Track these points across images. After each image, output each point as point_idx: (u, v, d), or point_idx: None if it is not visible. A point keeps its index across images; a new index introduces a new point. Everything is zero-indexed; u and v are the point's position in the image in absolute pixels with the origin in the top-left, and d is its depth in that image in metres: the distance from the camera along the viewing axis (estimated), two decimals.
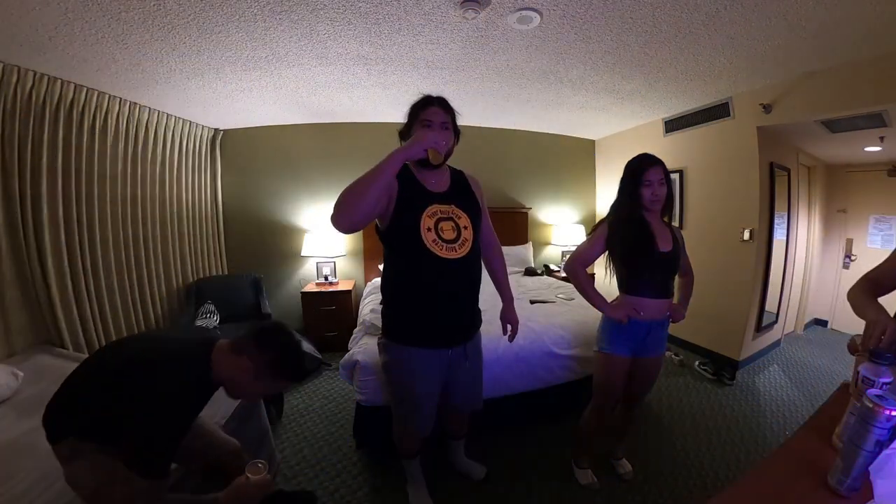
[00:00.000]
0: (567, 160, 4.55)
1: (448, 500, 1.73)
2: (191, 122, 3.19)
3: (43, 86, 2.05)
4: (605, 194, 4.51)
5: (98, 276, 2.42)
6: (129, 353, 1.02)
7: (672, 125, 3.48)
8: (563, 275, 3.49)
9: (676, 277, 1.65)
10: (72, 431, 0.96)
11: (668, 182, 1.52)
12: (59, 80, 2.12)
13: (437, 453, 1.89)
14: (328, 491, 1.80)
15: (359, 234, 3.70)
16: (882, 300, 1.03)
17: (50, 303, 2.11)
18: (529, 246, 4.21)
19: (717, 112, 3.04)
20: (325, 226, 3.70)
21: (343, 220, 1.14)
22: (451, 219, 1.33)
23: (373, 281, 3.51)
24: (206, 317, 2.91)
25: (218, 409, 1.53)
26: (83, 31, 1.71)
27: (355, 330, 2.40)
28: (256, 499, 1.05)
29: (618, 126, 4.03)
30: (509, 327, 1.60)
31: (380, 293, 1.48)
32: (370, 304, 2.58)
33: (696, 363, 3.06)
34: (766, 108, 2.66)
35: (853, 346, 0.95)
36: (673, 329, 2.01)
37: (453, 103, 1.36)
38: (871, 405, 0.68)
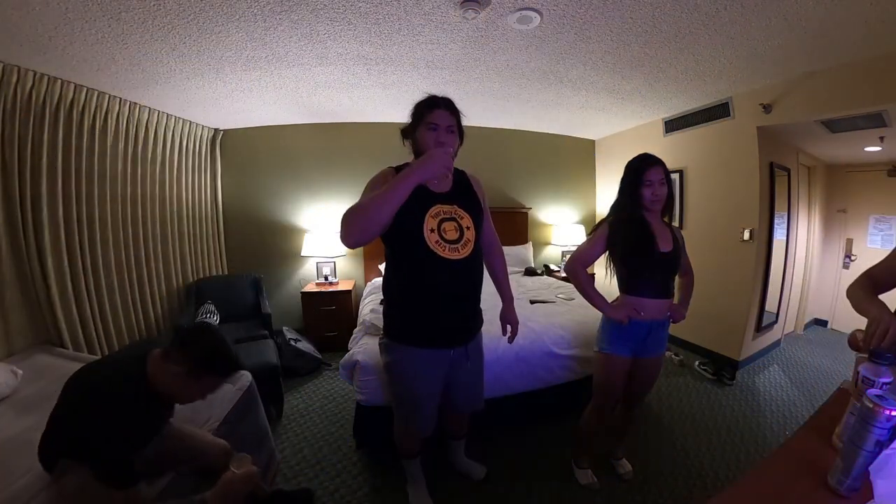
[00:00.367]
0: (567, 160, 4.55)
1: (448, 500, 1.73)
2: (191, 122, 3.19)
3: (43, 86, 2.05)
4: (605, 194, 4.51)
5: (98, 275, 2.42)
6: (76, 380, 1.07)
7: (672, 125, 3.48)
8: (563, 275, 3.50)
9: (677, 277, 1.65)
10: (57, 453, 1.03)
11: (669, 182, 1.52)
12: (59, 80, 2.12)
13: (437, 453, 1.89)
14: (328, 491, 1.80)
15: None
16: (882, 298, 1.03)
17: (50, 302, 2.11)
18: (529, 246, 4.21)
19: (717, 112, 3.04)
20: (325, 226, 3.72)
21: (350, 239, 1.13)
22: (453, 219, 1.32)
23: (373, 281, 3.51)
24: (206, 317, 2.91)
25: (211, 413, 1.54)
26: (83, 31, 1.71)
27: (355, 330, 2.40)
28: (243, 491, 1.07)
29: (618, 126, 4.03)
30: (509, 328, 1.60)
31: (380, 293, 1.48)
32: (370, 304, 2.58)
33: (696, 363, 3.06)
34: (766, 108, 2.66)
35: (854, 341, 0.94)
36: (673, 329, 2.01)
37: (455, 104, 1.36)
38: (871, 405, 0.68)
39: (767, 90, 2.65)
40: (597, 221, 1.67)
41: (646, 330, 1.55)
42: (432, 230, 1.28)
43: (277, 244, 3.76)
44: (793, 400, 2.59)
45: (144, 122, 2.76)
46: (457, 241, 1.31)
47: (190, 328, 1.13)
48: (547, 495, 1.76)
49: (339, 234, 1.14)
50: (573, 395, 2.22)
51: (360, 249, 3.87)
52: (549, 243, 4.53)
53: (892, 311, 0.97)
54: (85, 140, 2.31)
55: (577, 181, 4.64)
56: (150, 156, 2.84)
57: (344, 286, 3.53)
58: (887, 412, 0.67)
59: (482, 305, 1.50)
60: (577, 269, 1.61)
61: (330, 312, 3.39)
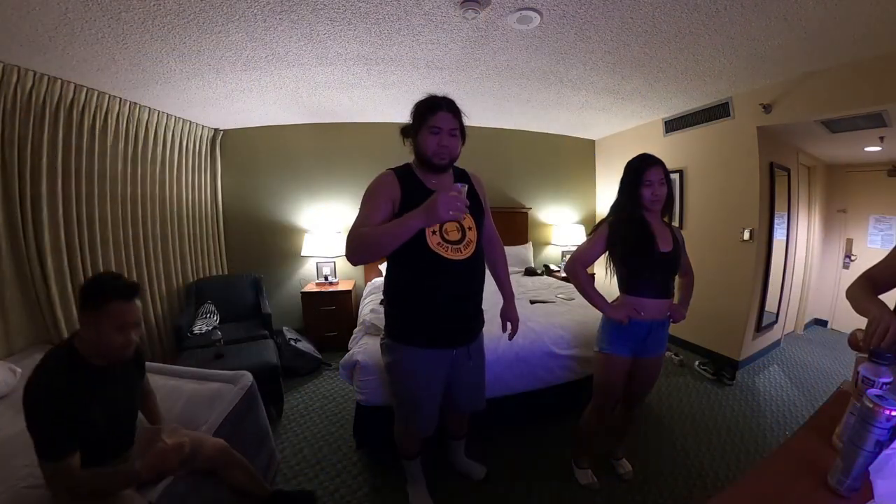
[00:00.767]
0: (567, 160, 4.55)
1: (448, 500, 1.73)
2: (191, 122, 3.19)
3: (43, 86, 2.05)
4: (605, 194, 4.51)
5: None
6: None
7: (672, 125, 3.48)
8: (563, 275, 3.50)
9: (677, 277, 1.65)
10: None
11: (669, 182, 1.52)
12: (59, 80, 2.12)
13: (437, 453, 1.89)
14: (328, 491, 1.80)
15: None
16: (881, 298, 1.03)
17: (49, 302, 2.11)
18: (529, 246, 4.21)
19: (717, 112, 3.04)
20: (325, 226, 3.72)
21: (355, 262, 1.24)
22: (455, 220, 1.32)
23: (373, 281, 3.51)
24: (206, 317, 2.91)
25: (209, 415, 1.54)
26: (83, 31, 1.71)
27: (355, 330, 2.40)
28: (174, 461, 1.09)
29: (618, 126, 4.03)
30: (509, 325, 1.60)
31: (380, 293, 1.48)
32: (370, 304, 2.58)
33: (696, 363, 3.06)
34: (766, 108, 2.66)
35: (854, 341, 0.94)
36: (673, 329, 2.01)
37: (457, 105, 1.35)
38: (871, 405, 0.68)
39: (767, 90, 2.65)
40: (597, 221, 1.67)
41: (646, 330, 1.55)
42: (434, 231, 1.28)
43: (277, 244, 3.76)
44: (793, 400, 2.59)
45: (144, 122, 2.76)
46: (459, 242, 1.31)
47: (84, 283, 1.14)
48: (547, 495, 1.76)
49: (344, 254, 1.21)
50: (573, 395, 2.22)
51: None
52: (549, 243, 4.53)
53: (892, 310, 0.97)
54: (85, 140, 2.31)
55: (577, 181, 4.64)
56: (150, 156, 2.84)
57: (344, 286, 3.53)
58: (887, 412, 0.66)
59: (483, 305, 1.50)
60: (577, 269, 1.61)
61: (330, 312, 3.39)
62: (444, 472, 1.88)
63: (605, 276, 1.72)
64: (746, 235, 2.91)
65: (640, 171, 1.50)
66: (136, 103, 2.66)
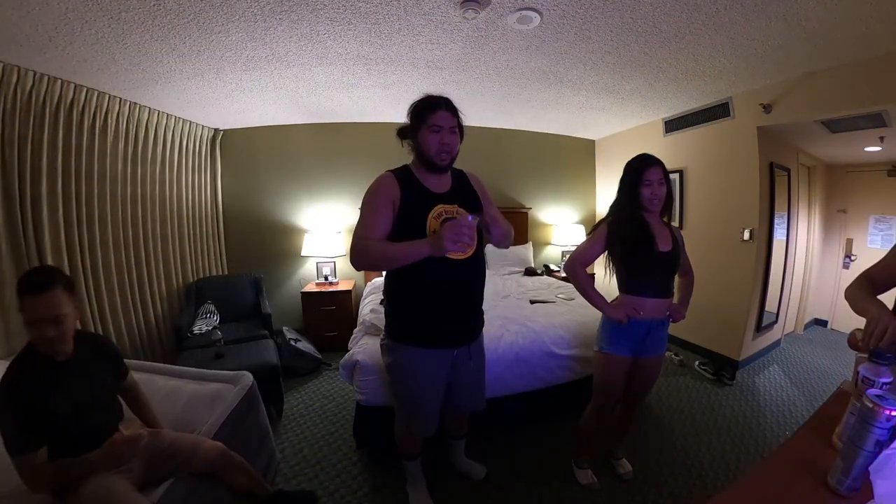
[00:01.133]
0: (567, 160, 4.55)
1: (448, 500, 1.73)
2: (191, 122, 3.19)
3: (43, 86, 2.05)
4: (605, 194, 4.50)
5: (98, 275, 2.42)
6: None
7: (672, 125, 3.48)
8: (563, 275, 3.49)
9: (676, 277, 1.65)
10: None
11: (668, 182, 1.52)
12: (59, 80, 2.12)
13: (437, 453, 1.89)
14: (328, 491, 1.80)
15: None
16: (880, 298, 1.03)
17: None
18: (529, 246, 4.21)
19: (717, 112, 3.04)
20: (325, 226, 3.72)
21: (360, 269, 1.29)
22: (455, 219, 1.32)
23: (373, 281, 3.51)
24: (206, 317, 2.91)
25: (210, 415, 1.54)
26: (83, 31, 1.71)
27: (355, 330, 2.40)
28: (127, 453, 1.09)
29: (618, 126, 4.03)
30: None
31: (380, 293, 1.48)
32: (370, 304, 2.58)
33: (696, 363, 3.06)
34: (766, 108, 2.66)
35: (853, 341, 0.94)
36: (673, 329, 2.01)
37: (454, 103, 1.36)
38: (871, 405, 0.68)
39: (767, 90, 2.65)
40: (596, 221, 1.67)
41: (645, 329, 1.55)
42: (434, 232, 1.28)
43: (277, 244, 3.76)
44: (793, 400, 2.59)
45: (144, 122, 2.76)
46: None
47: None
48: (547, 495, 1.76)
49: (349, 259, 1.26)
50: (573, 395, 2.22)
51: None
52: (549, 243, 4.53)
53: (892, 310, 0.97)
54: (85, 140, 2.31)
55: (577, 181, 4.64)
56: (150, 156, 2.84)
57: (344, 286, 3.53)
58: (887, 412, 0.66)
59: (483, 305, 1.50)
60: (576, 268, 1.61)
61: (330, 312, 3.39)
62: (444, 472, 1.88)
63: (604, 276, 1.72)
64: (746, 235, 2.91)
65: (640, 170, 1.50)
66: (136, 103, 2.66)
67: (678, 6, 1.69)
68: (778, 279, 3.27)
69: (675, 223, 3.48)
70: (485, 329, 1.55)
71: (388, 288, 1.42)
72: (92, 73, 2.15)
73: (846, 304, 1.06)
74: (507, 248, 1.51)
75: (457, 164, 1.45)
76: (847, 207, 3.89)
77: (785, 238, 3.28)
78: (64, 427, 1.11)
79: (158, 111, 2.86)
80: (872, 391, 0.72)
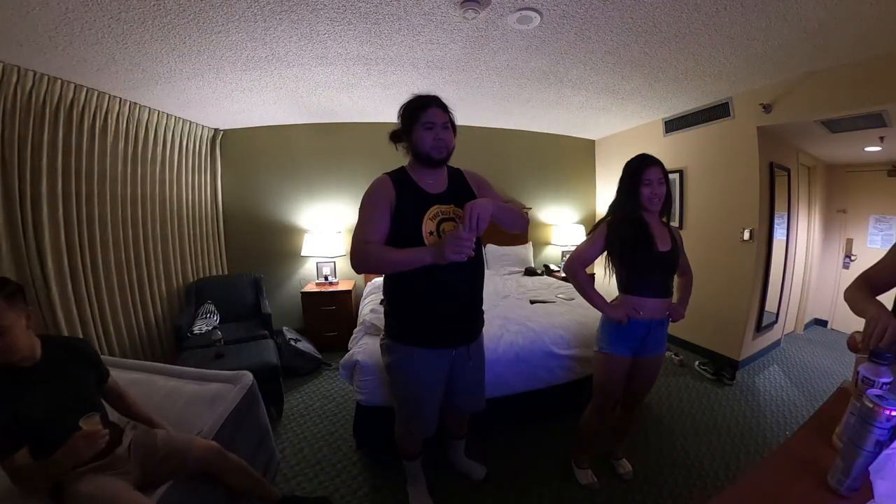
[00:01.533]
0: (567, 160, 4.55)
1: (448, 500, 1.73)
2: (191, 122, 3.19)
3: (43, 86, 2.05)
4: (605, 194, 4.50)
5: (98, 275, 2.42)
6: None
7: (672, 125, 3.48)
8: (563, 275, 3.49)
9: (675, 277, 1.65)
10: None
11: (667, 182, 1.52)
12: (59, 80, 2.12)
13: (437, 453, 1.89)
14: (328, 491, 1.80)
15: None
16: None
17: (50, 303, 2.11)
18: (529, 246, 4.21)
19: (717, 112, 3.04)
20: (325, 226, 3.72)
21: (360, 272, 1.29)
22: (452, 219, 1.32)
23: (373, 281, 3.51)
24: (206, 317, 2.92)
25: (209, 416, 1.53)
26: (83, 31, 1.71)
27: (355, 330, 2.40)
28: (85, 449, 1.09)
29: (618, 126, 4.03)
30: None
31: (380, 293, 1.48)
32: (370, 304, 2.58)
33: (696, 363, 3.06)
34: (766, 108, 2.66)
35: (853, 343, 0.94)
36: (673, 329, 2.01)
37: (453, 103, 1.36)
38: (871, 405, 0.68)
39: (767, 90, 2.65)
40: (596, 221, 1.67)
41: (645, 329, 1.55)
42: (431, 233, 1.28)
43: (277, 244, 3.76)
44: (793, 400, 2.59)
45: (144, 122, 2.76)
46: None
47: None
48: (547, 495, 1.76)
49: (349, 261, 1.27)
50: (573, 395, 2.22)
51: None
52: (549, 243, 4.53)
53: (891, 310, 0.97)
54: (85, 140, 2.31)
55: (577, 181, 4.64)
56: (150, 156, 2.84)
57: (344, 286, 3.53)
58: (887, 412, 0.66)
59: (482, 306, 1.50)
60: (576, 268, 1.61)
61: (330, 312, 3.39)
62: (444, 472, 1.88)
63: (604, 276, 1.72)
64: (746, 235, 2.91)
65: (639, 170, 1.51)
66: (136, 103, 2.66)
67: (678, 6, 1.69)
68: (778, 279, 3.27)
69: (675, 223, 3.49)
70: (485, 329, 1.55)
71: (388, 288, 1.42)
72: (92, 73, 2.15)
73: (846, 304, 1.07)
74: (524, 229, 1.47)
75: (458, 165, 1.46)
76: (847, 207, 3.89)
77: (785, 238, 3.28)
78: (41, 431, 1.12)
79: (158, 111, 2.86)
80: (872, 391, 0.72)
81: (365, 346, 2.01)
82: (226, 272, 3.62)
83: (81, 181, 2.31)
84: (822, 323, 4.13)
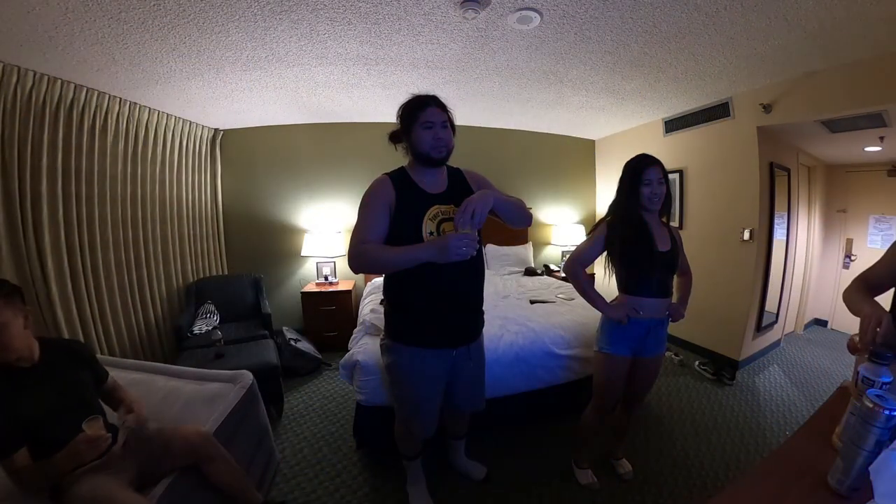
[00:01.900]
0: (567, 160, 4.55)
1: (448, 500, 1.73)
2: (191, 122, 3.19)
3: (43, 86, 2.05)
4: (605, 194, 4.50)
5: (98, 276, 2.42)
6: None
7: (672, 125, 3.48)
8: (563, 275, 3.49)
9: (675, 277, 1.65)
10: None
11: (667, 182, 1.52)
12: (59, 80, 2.12)
13: (437, 453, 1.89)
14: (328, 491, 1.80)
15: None
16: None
17: (50, 303, 2.11)
18: (529, 246, 4.21)
19: (717, 112, 3.04)
20: (325, 226, 3.72)
21: (358, 273, 1.30)
22: (451, 219, 1.32)
23: (373, 281, 3.51)
24: (206, 317, 2.91)
25: (209, 415, 1.53)
26: (83, 31, 1.71)
27: (355, 330, 2.40)
28: (87, 453, 1.10)
29: (618, 126, 4.03)
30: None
31: (380, 293, 1.48)
32: (370, 304, 2.58)
33: (696, 363, 3.05)
34: (766, 108, 2.66)
35: (852, 345, 0.95)
36: (673, 329, 2.01)
37: (453, 103, 1.36)
38: (871, 405, 0.69)
39: (767, 90, 2.65)
40: (596, 221, 1.67)
41: (645, 329, 1.56)
42: (431, 233, 1.28)
43: (277, 244, 3.76)
44: (793, 400, 2.59)
45: (144, 122, 2.76)
46: None
47: None
48: (547, 495, 1.76)
49: (348, 263, 1.27)
50: (573, 395, 2.22)
51: None
52: (549, 243, 4.53)
53: (889, 309, 0.97)
54: (85, 140, 2.31)
55: (577, 181, 4.64)
56: (150, 156, 2.84)
57: (344, 286, 3.52)
58: (887, 412, 0.67)
59: (482, 306, 1.50)
60: (575, 269, 1.61)
61: (330, 312, 3.39)
62: (444, 472, 1.88)
63: (604, 276, 1.72)
64: (746, 235, 2.91)
65: (639, 170, 1.51)
66: (136, 103, 2.66)
67: (678, 6, 1.69)
68: (778, 279, 3.27)
69: (675, 223, 3.49)
70: (485, 329, 1.55)
71: (389, 288, 1.42)
72: (92, 73, 2.15)
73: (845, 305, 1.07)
74: (528, 224, 1.47)
75: (458, 165, 1.46)
76: (847, 207, 3.89)
77: (785, 238, 3.28)
78: (38, 432, 1.13)
79: (158, 111, 2.86)
80: (872, 391, 0.72)
81: (365, 346, 2.01)
82: (226, 272, 3.62)
83: (81, 181, 2.31)
84: (822, 323, 4.13)
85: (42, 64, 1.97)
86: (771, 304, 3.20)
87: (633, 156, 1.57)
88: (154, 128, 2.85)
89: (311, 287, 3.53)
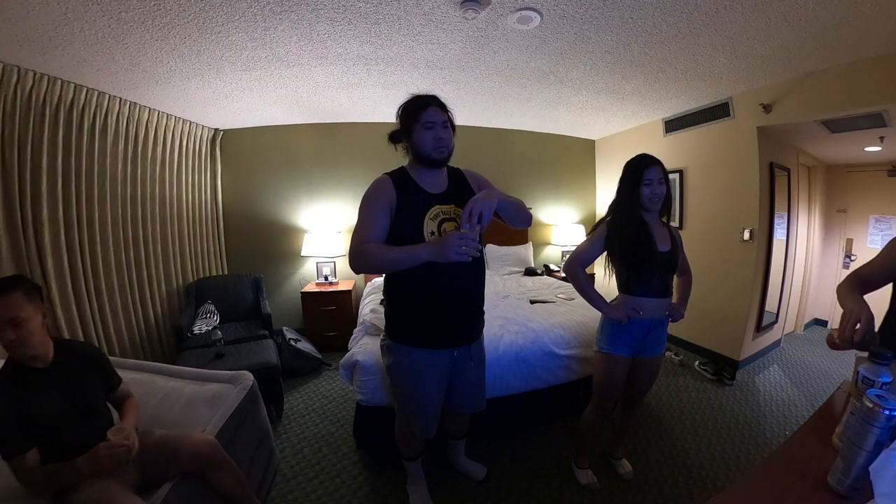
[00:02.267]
0: (567, 160, 4.55)
1: (448, 500, 1.73)
2: (191, 122, 3.19)
3: (43, 86, 2.05)
4: (605, 194, 4.50)
5: (98, 276, 2.42)
6: None
7: (672, 125, 3.48)
8: (563, 275, 3.49)
9: (675, 277, 1.65)
10: None
11: (667, 182, 1.52)
12: (59, 80, 2.12)
13: (437, 453, 1.89)
14: (328, 491, 1.80)
15: None
16: (874, 294, 1.05)
17: (50, 302, 2.10)
18: (529, 246, 4.21)
19: (717, 112, 3.04)
20: (325, 226, 3.72)
21: (359, 273, 1.29)
22: (453, 219, 1.32)
23: (373, 281, 3.51)
24: (206, 317, 2.91)
25: (209, 416, 1.53)
26: (83, 31, 1.71)
27: (355, 330, 2.40)
28: (108, 462, 1.09)
29: (618, 126, 4.03)
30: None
31: (380, 293, 1.48)
32: (370, 304, 2.58)
33: (696, 363, 3.06)
34: (766, 108, 2.66)
35: (830, 340, 0.95)
36: (673, 329, 2.01)
37: (453, 103, 1.36)
38: (871, 405, 0.69)
39: (767, 90, 2.65)
40: (596, 221, 1.67)
41: (645, 329, 1.56)
42: (432, 233, 1.28)
43: (277, 244, 3.76)
44: (793, 400, 2.59)
45: (144, 122, 2.76)
46: None
47: None
48: (547, 495, 1.76)
49: (348, 262, 1.26)
50: (573, 395, 2.22)
51: None
52: (549, 243, 4.53)
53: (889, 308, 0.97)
54: (85, 140, 2.32)
55: (577, 181, 4.64)
56: (150, 156, 2.84)
57: (344, 286, 3.53)
58: (887, 412, 0.67)
59: (483, 306, 1.50)
60: (575, 269, 1.61)
61: (330, 312, 3.39)
62: (445, 472, 1.88)
63: (604, 276, 1.72)
64: (746, 235, 2.91)
65: (639, 170, 1.50)
66: (136, 103, 2.66)
67: (678, 6, 1.69)
68: (778, 279, 3.27)
69: (675, 223, 3.49)
70: (485, 329, 1.55)
71: (389, 288, 1.42)
72: (92, 73, 2.15)
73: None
74: (529, 224, 1.48)
75: (458, 165, 1.46)
76: (847, 207, 3.89)
77: (785, 238, 3.28)
78: (48, 433, 1.13)
79: (158, 111, 2.86)
80: (872, 391, 0.72)
81: (365, 346, 2.01)
82: (226, 272, 3.62)
83: (81, 181, 2.31)
84: (822, 323, 4.13)
85: (42, 64, 1.97)
86: (771, 304, 3.20)
87: (633, 156, 1.57)
88: (154, 128, 2.85)
89: (311, 287, 3.53)
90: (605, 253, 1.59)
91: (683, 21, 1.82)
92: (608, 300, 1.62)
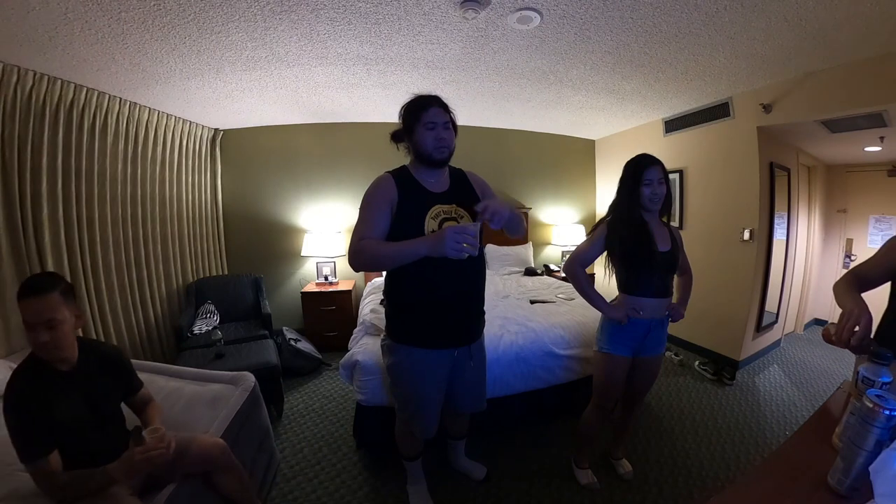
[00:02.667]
0: (567, 160, 4.55)
1: (448, 500, 1.73)
2: (191, 122, 3.19)
3: (43, 86, 2.05)
4: (605, 194, 4.50)
5: (98, 275, 2.42)
6: None
7: (672, 125, 3.48)
8: (563, 275, 3.49)
9: (675, 277, 1.65)
10: None
11: (667, 182, 1.53)
12: (59, 80, 2.12)
13: (437, 453, 1.89)
14: (328, 491, 1.80)
15: None
16: (873, 293, 1.05)
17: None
18: (529, 246, 4.21)
19: (717, 112, 3.04)
20: (325, 226, 3.72)
21: (358, 270, 1.33)
22: (454, 219, 1.32)
23: (373, 281, 3.51)
24: (206, 317, 2.91)
25: (210, 417, 1.53)
26: (83, 31, 1.71)
27: (355, 330, 2.40)
28: (142, 465, 1.07)
29: (618, 126, 4.03)
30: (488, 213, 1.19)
31: (380, 293, 1.48)
32: (370, 304, 2.58)
33: (696, 363, 3.06)
34: (766, 108, 2.66)
35: (827, 335, 0.95)
36: (673, 329, 2.01)
37: (453, 103, 1.36)
38: (871, 405, 0.68)
39: (767, 90, 2.65)
40: (596, 221, 1.67)
41: (645, 329, 1.56)
42: (433, 231, 1.28)
43: (277, 244, 3.76)
44: (793, 400, 2.59)
45: (144, 122, 2.76)
46: None
47: None
48: (547, 495, 1.76)
49: (347, 261, 1.26)
50: (573, 395, 2.22)
51: None
52: (549, 243, 4.53)
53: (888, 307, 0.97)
54: (85, 140, 2.31)
55: (577, 181, 4.64)
56: (150, 156, 2.84)
57: (344, 286, 3.53)
58: (887, 412, 0.67)
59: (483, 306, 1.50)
60: (575, 269, 1.61)
61: (330, 312, 3.39)
62: (445, 472, 1.88)
63: (604, 276, 1.72)
64: (746, 235, 2.91)
65: (639, 170, 1.51)
66: (136, 103, 2.66)
67: (678, 6, 1.69)
68: (778, 279, 3.27)
69: (675, 223, 3.49)
70: (485, 329, 1.55)
71: (389, 288, 1.41)
72: (92, 73, 2.15)
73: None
74: (522, 234, 1.48)
75: (458, 165, 1.46)
76: (847, 207, 3.89)
77: (785, 238, 3.28)
78: (68, 437, 1.10)
79: (158, 111, 2.86)
80: (872, 391, 0.72)
81: (365, 346, 2.01)
82: (226, 272, 3.62)
83: (81, 181, 2.31)
84: (822, 323, 4.13)
85: (42, 64, 1.97)
86: (771, 304, 3.20)
87: (633, 156, 1.57)
88: (154, 128, 2.85)
89: (311, 287, 3.53)
90: (605, 253, 1.59)
91: (683, 21, 1.82)
92: (608, 300, 1.62)
